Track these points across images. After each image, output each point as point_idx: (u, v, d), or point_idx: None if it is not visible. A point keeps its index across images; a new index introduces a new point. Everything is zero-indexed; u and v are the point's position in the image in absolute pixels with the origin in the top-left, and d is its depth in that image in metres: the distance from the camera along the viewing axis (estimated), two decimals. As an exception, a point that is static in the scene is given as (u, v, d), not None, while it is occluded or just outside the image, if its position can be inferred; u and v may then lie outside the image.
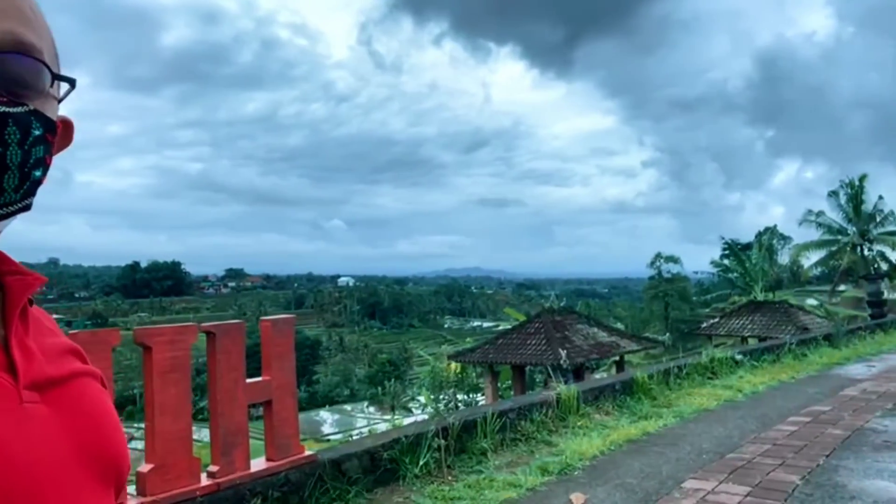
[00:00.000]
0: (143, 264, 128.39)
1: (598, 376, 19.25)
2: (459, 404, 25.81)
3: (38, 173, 0.70)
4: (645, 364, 23.19)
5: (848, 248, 36.00)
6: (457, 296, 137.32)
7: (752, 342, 18.61)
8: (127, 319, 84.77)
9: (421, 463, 5.14)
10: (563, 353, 17.08)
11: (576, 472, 5.44)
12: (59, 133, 0.73)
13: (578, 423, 6.82)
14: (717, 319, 24.36)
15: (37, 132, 0.68)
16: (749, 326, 22.03)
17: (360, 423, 44.67)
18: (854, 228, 36.30)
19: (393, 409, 42.40)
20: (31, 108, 0.68)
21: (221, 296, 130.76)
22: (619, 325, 38.89)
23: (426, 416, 20.57)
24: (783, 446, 6.13)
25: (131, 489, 3.83)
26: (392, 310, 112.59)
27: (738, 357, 10.74)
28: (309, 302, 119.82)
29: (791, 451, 5.92)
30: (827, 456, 5.77)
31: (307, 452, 4.64)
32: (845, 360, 12.06)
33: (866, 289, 22.28)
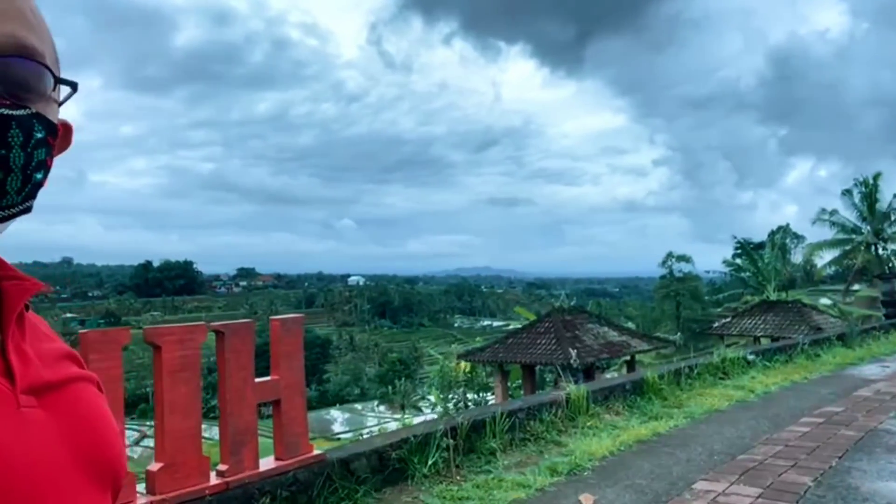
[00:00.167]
0: (156, 264, 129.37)
1: (608, 376, 19.17)
2: (469, 403, 25.82)
3: (39, 176, 0.71)
4: (656, 364, 23.06)
5: (862, 247, 35.66)
6: (467, 295, 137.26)
7: (765, 342, 18.47)
8: (140, 318, 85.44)
9: (429, 462, 5.13)
10: (574, 352, 17.03)
11: (585, 473, 5.41)
12: (59, 136, 0.73)
13: (588, 424, 6.79)
14: (729, 319, 24.20)
15: (39, 135, 0.69)
16: (761, 326, 21.87)
17: (371, 421, 44.74)
18: (868, 227, 35.95)
19: (403, 408, 42.47)
20: (34, 111, 0.68)
21: (233, 295, 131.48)
22: (630, 325, 38.73)
23: (436, 416, 20.58)
24: (795, 447, 6.07)
25: (141, 487, 3.86)
26: (402, 309, 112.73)
27: (750, 357, 10.65)
28: (319, 301, 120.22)
29: (803, 453, 5.87)
30: (840, 457, 5.71)
31: (316, 452, 4.64)
32: (859, 361, 11.95)
33: (881, 288, 22.01)
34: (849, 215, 36.59)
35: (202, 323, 4.30)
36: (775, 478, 5.18)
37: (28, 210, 0.71)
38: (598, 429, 6.70)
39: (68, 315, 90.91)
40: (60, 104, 0.74)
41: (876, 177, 35.51)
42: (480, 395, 27.54)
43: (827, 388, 9.22)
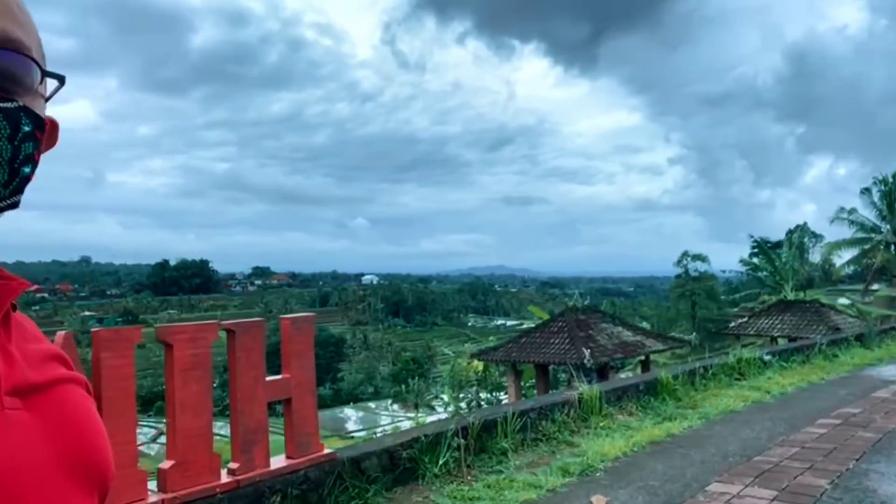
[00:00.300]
0: (172, 262, 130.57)
1: (623, 376, 19.06)
2: (482, 402, 25.80)
3: (27, 170, 0.70)
4: (671, 364, 22.91)
5: (881, 246, 35.16)
6: (480, 294, 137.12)
7: (782, 342, 18.27)
8: (157, 317, 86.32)
9: (440, 462, 5.12)
10: (587, 352, 16.94)
11: (597, 474, 5.37)
12: (47, 131, 0.73)
13: (601, 424, 6.75)
14: (745, 319, 23.96)
15: (26, 128, 0.68)
16: (779, 326, 21.63)
17: (384, 420, 44.87)
18: (888, 226, 35.44)
19: (416, 406, 42.53)
20: (21, 104, 0.68)
21: (248, 294, 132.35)
22: (645, 325, 38.48)
23: (449, 415, 20.57)
24: (812, 449, 5.99)
25: (152, 485, 3.88)
26: (416, 308, 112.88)
27: (767, 357, 10.53)
28: (334, 300, 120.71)
29: (820, 455, 5.78)
30: (857, 460, 5.62)
31: (326, 451, 4.65)
32: (877, 361, 11.78)
33: (900, 288, 21.68)
34: (868, 214, 36.14)
35: (213, 322, 4.32)
36: (791, 480, 5.11)
37: (16, 205, 0.70)
38: (611, 429, 6.65)
39: (87, 313, 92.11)
40: (47, 99, 0.74)
41: (895, 175, 34.99)
42: (493, 394, 27.50)
43: (844, 389, 9.09)
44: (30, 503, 0.62)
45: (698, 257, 52.49)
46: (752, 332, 22.56)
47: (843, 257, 37.96)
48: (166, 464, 3.87)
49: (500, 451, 5.69)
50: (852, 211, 36.58)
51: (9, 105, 0.66)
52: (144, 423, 42.23)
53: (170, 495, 3.78)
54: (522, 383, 22.36)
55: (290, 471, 4.36)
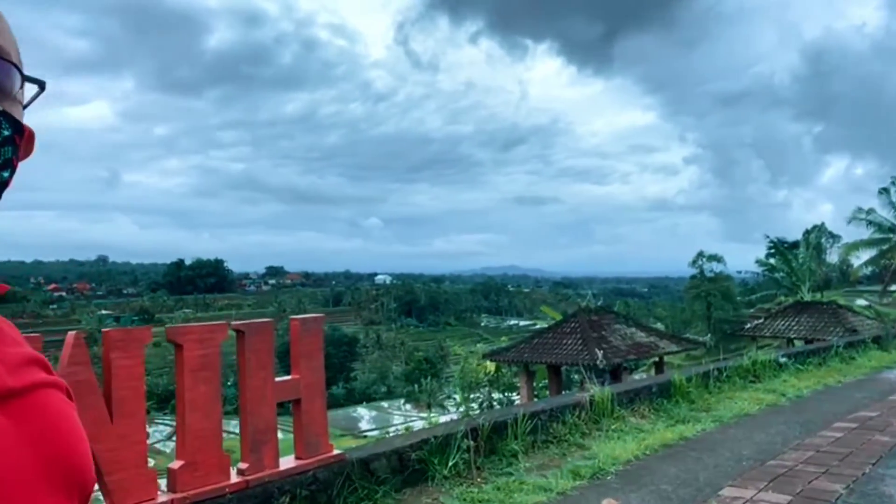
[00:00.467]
0: (188, 262, 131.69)
1: (636, 377, 18.94)
2: (494, 403, 25.74)
3: (6, 174, 0.70)
4: (686, 365, 22.74)
5: (900, 247, 34.65)
6: (493, 294, 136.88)
7: (798, 344, 18.06)
8: (172, 315, 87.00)
9: (450, 464, 5.10)
10: (600, 353, 16.84)
11: (609, 477, 5.33)
12: (25, 138, 0.72)
13: (612, 427, 6.69)
14: (761, 320, 23.74)
15: (6, 132, 0.69)
16: (795, 328, 21.40)
17: (397, 420, 44.91)
18: (906, 226, 34.92)
19: (429, 406, 42.53)
20: (1, 109, 0.68)
21: (262, 293, 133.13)
22: (659, 326, 38.24)
23: (461, 415, 20.55)
24: (827, 453, 5.91)
25: (162, 485, 3.90)
26: (429, 308, 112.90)
27: (783, 360, 10.41)
28: (347, 299, 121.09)
29: (835, 459, 5.70)
30: (873, 464, 5.53)
31: (336, 451, 4.65)
32: (895, 364, 11.60)
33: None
34: (886, 214, 35.65)
35: (223, 322, 4.33)
36: (805, 485, 5.03)
37: None
38: (623, 432, 6.59)
39: (103, 312, 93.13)
40: (26, 106, 0.73)
41: (915, 175, 34.48)
42: (506, 394, 27.42)
43: (861, 392, 8.96)
44: None
45: (714, 258, 52.05)
46: (767, 334, 22.34)
47: (860, 258, 37.50)
48: (176, 464, 3.88)
49: (510, 453, 5.66)
50: (870, 211, 36.11)
51: None
52: (160, 421, 42.62)
53: (179, 495, 3.79)
54: (535, 384, 22.29)
55: (300, 471, 4.37)
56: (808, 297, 28.02)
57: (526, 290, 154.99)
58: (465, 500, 4.75)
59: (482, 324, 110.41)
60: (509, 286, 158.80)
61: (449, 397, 42.20)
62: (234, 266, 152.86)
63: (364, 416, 50.39)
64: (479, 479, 5.16)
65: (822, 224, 42.83)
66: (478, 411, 22.17)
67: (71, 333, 3.56)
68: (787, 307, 24.09)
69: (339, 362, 62.55)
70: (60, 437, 0.69)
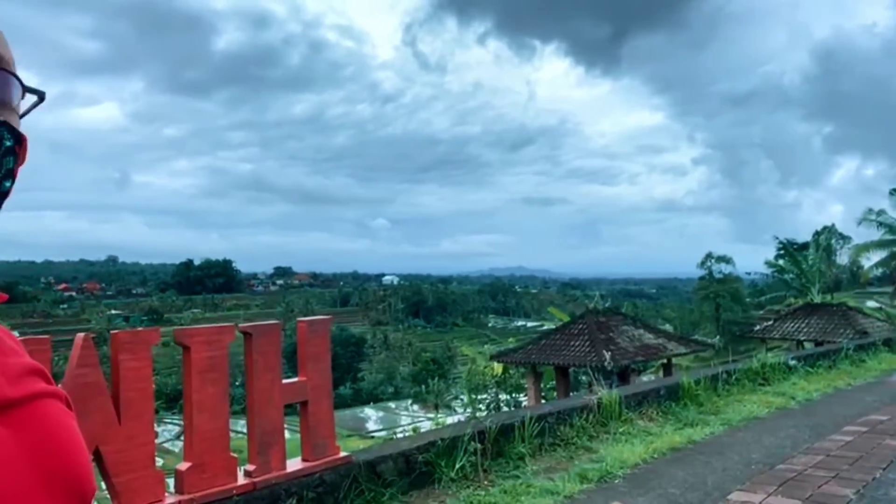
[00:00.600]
0: (197, 262, 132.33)
1: (644, 379, 18.86)
2: (502, 404, 25.71)
3: (7, 184, 0.71)
4: (694, 367, 22.63)
5: (912, 249, 34.33)
6: (501, 295, 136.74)
7: (808, 346, 17.94)
8: (181, 316, 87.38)
9: (457, 466, 5.09)
10: (608, 354, 16.79)
11: (616, 480, 5.30)
12: (24, 145, 0.73)
13: (620, 430, 6.66)
14: (770, 322, 23.61)
15: (8, 143, 0.70)
16: (805, 330, 21.27)
17: (404, 420, 44.91)
18: (918, 227, 34.58)
19: (437, 407, 42.53)
20: (2, 119, 0.70)
21: (270, 293, 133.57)
22: (668, 327, 38.09)
23: (467, 417, 20.52)
24: (837, 458, 5.86)
25: (170, 485, 3.91)
26: (436, 308, 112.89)
27: (792, 362, 10.34)
28: (354, 300, 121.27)
29: (845, 463, 5.65)
30: (884, 469, 5.48)
31: (342, 454, 4.65)
32: (907, 367, 11.49)
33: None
34: (897, 215, 35.28)
35: (230, 324, 4.35)
36: (815, 489, 4.99)
37: None
38: (631, 435, 6.56)
39: (113, 312, 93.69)
40: (22, 115, 0.75)
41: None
42: (513, 396, 27.38)
43: (872, 396, 8.88)
44: None
45: (723, 259, 51.88)
46: (777, 336, 22.21)
47: (871, 259, 37.14)
48: (183, 465, 3.89)
49: (517, 455, 5.64)
50: (881, 212, 35.77)
51: None
52: (169, 420, 42.84)
53: (187, 496, 3.80)
54: (542, 385, 22.24)
55: (306, 473, 4.37)
56: (817, 299, 27.81)
57: (533, 291, 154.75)
58: (471, 502, 4.73)
59: (490, 325, 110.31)
60: (517, 287, 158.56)
61: (456, 398, 42.21)
62: (243, 266, 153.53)
63: (371, 416, 50.44)
64: (485, 482, 5.15)
65: (833, 225, 42.50)
66: (485, 413, 22.15)
67: (80, 335, 3.58)
68: (797, 309, 23.94)
69: (347, 363, 62.67)
70: (60, 447, 0.69)
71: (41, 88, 0.74)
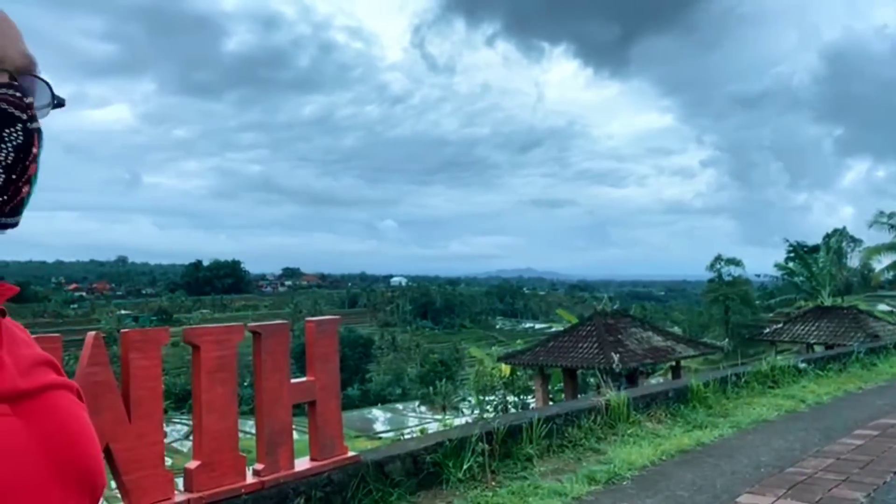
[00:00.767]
0: (206, 263, 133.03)
1: (653, 381, 18.80)
2: (509, 406, 25.68)
3: (31, 188, 0.73)
4: (703, 370, 22.52)
5: (924, 252, 34.08)
6: (509, 297, 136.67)
7: (818, 349, 17.82)
8: (190, 316, 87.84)
9: (464, 467, 5.09)
10: (616, 357, 16.73)
11: (624, 482, 5.29)
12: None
13: (628, 431, 6.64)
14: (780, 325, 23.47)
15: (36, 150, 0.72)
16: (815, 333, 21.13)
17: (412, 422, 44.93)
18: (930, 230, 34.34)
19: (444, 409, 42.52)
20: (38, 126, 0.73)
21: (278, 294, 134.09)
22: (677, 330, 37.93)
23: (475, 418, 20.48)
24: (847, 461, 5.81)
25: (179, 484, 3.93)
26: (444, 310, 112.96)
27: (802, 365, 10.27)
28: (362, 301, 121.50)
29: (856, 467, 5.61)
30: (895, 473, 5.44)
31: (350, 453, 4.66)
32: (919, 371, 11.39)
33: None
34: (908, 217, 35.05)
35: (239, 324, 4.37)
36: (825, 493, 4.96)
37: (16, 225, 0.71)
38: (639, 437, 6.54)
39: (123, 312, 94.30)
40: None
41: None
42: (521, 398, 27.34)
43: (883, 399, 8.81)
44: None
45: (732, 261, 51.52)
46: (787, 339, 22.09)
47: (882, 262, 36.95)
48: (192, 464, 3.92)
49: (525, 456, 5.64)
50: (892, 215, 35.56)
51: (38, 126, 0.71)
52: (178, 420, 43.03)
53: (196, 495, 3.82)
54: (550, 387, 22.20)
55: (314, 473, 4.39)
56: (828, 302, 27.62)
57: (541, 293, 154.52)
58: (479, 503, 4.74)
59: (497, 326, 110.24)
60: (525, 289, 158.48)
61: (464, 400, 42.17)
62: (251, 267, 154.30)
63: (379, 417, 50.50)
64: (493, 483, 5.14)
65: (843, 228, 42.28)
66: (493, 414, 22.13)
67: (90, 334, 3.61)
68: (807, 312, 23.79)
69: (355, 364, 62.78)
70: (71, 438, 0.70)
71: (56, 92, 0.76)
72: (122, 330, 3.78)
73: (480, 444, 5.28)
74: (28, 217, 0.72)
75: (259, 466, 4.18)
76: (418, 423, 40.91)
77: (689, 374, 13.36)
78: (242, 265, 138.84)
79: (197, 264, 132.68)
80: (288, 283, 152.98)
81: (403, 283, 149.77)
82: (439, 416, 37.52)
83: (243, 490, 4.02)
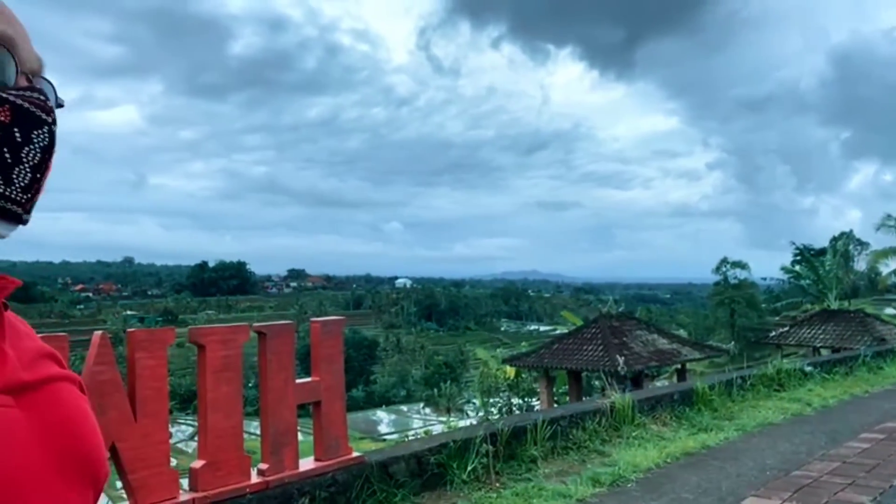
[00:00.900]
0: (211, 264, 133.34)
1: (658, 384, 18.75)
2: (514, 409, 25.64)
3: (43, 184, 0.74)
4: (709, 373, 22.43)
5: (931, 255, 33.85)
6: (513, 299, 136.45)
7: (825, 353, 17.73)
8: (195, 317, 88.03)
9: (469, 468, 5.09)
10: (621, 359, 16.70)
11: (629, 485, 5.28)
12: None
13: (633, 434, 6.63)
14: (786, 328, 23.36)
15: (49, 146, 0.73)
16: (821, 336, 21.03)
17: (416, 423, 44.91)
18: (938, 234, 34.08)
19: (449, 411, 42.47)
20: (52, 119, 0.73)
21: (284, 295, 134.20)
22: (682, 333, 37.76)
23: (479, 420, 20.44)
24: (853, 464, 5.79)
25: (184, 484, 3.94)
26: (449, 312, 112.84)
27: (808, 369, 10.23)
28: (367, 303, 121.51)
29: (862, 470, 5.58)
30: (903, 477, 5.41)
31: (355, 454, 4.67)
32: (926, 375, 11.32)
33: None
34: (916, 221, 34.80)
35: (244, 324, 4.38)
36: (831, 496, 4.94)
37: (27, 221, 0.72)
38: (644, 439, 6.53)
39: (129, 312, 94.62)
40: None
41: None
42: (525, 400, 27.29)
43: (889, 403, 8.77)
44: (24, 501, 0.62)
45: (738, 264, 51.38)
46: (793, 342, 21.97)
47: (889, 266, 36.66)
48: (197, 463, 3.93)
49: (529, 458, 5.63)
50: (900, 218, 35.32)
51: (56, 127, 0.72)
52: (182, 421, 43.12)
53: (200, 494, 3.83)
54: (555, 390, 22.16)
55: (319, 473, 4.39)
56: (834, 306, 27.53)
57: (546, 296, 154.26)
58: (483, 505, 4.73)
59: (502, 328, 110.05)
60: (530, 291, 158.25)
61: (468, 402, 42.12)
62: (257, 268, 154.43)
63: (383, 419, 50.47)
64: (497, 485, 5.14)
65: (850, 231, 42.05)
66: (497, 416, 22.09)
67: (97, 333, 3.63)
68: (814, 315, 23.68)
69: (359, 365, 62.77)
70: (74, 430, 0.70)
71: (60, 92, 0.78)
72: (129, 330, 3.80)
73: (485, 445, 5.28)
74: (35, 218, 0.73)
75: (264, 466, 4.19)
76: (423, 424, 40.88)
77: (695, 377, 13.33)
78: (248, 266, 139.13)
79: (202, 265, 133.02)
80: (293, 284, 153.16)
81: (408, 285, 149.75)
82: (444, 418, 37.49)
83: (248, 490, 4.03)
